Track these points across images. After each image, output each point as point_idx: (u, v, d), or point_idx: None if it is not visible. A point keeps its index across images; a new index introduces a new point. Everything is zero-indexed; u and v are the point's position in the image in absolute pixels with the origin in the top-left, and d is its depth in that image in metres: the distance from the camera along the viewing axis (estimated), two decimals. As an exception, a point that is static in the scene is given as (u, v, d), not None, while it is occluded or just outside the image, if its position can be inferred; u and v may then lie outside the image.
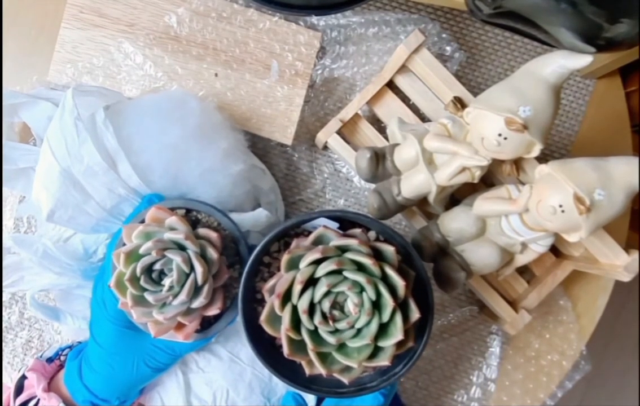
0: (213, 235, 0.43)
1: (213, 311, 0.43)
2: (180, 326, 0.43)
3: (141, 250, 0.40)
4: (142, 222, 0.43)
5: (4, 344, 0.60)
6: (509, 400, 0.62)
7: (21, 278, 0.49)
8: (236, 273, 0.46)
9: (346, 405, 0.47)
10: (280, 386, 0.51)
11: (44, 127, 0.48)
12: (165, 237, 0.41)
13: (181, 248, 0.41)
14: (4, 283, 0.49)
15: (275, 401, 0.51)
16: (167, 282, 0.40)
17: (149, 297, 0.40)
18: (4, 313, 0.60)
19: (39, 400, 0.46)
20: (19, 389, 0.48)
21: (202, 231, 0.43)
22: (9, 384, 0.49)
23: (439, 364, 0.62)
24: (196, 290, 0.41)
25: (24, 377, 0.48)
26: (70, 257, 0.48)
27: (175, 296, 0.40)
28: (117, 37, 0.54)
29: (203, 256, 0.42)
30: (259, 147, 0.59)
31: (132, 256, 0.40)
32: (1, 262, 0.48)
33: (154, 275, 0.41)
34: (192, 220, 0.45)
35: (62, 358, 0.52)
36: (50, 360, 0.51)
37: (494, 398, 0.62)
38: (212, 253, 0.42)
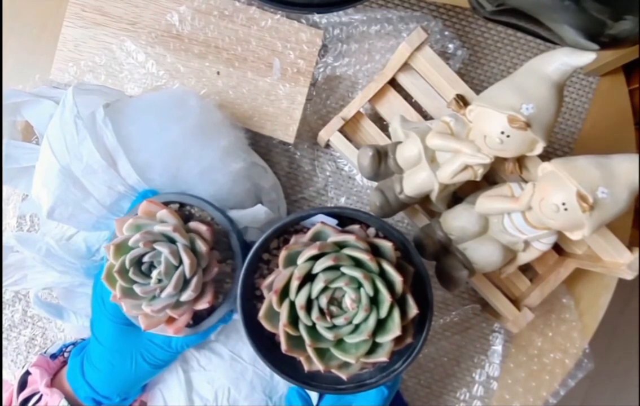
0: (202, 228, 0.43)
1: (202, 305, 0.43)
2: (170, 320, 0.43)
3: (130, 242, 0.40)
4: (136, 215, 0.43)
5: (7, 342, 0.60)
6: (512, 398, 0.61)
7: (24, 277, 0.49)
8: (229, 268, 0.46)
9: (348, 400, 0.47)
10: (282, 385, 0.52)
11: (47, 126, 0.48)
12: (154, 230, 0.41)
13: (170, 240, 0.41)
14: (7, 282, 0.49)
15: (276, 399, 0.51)
16: (155, 274, 0.40)
17: (137, 289, 0.40)
18: (7, 311, 0.60)
19: (41, 395, 0.47)
20: (23, 384, 0.48)
21: (192, 224, 0.43)
22: (12, 381, 0.50)
23: (441, 362, 0.62)
24: (184, 283, 0.41)
25: (27, 373, 0.48)
26: (73, 255, 0.48)
27: (164, 288, 0.40)
28: (119, 35, 0.54)
29: (192, 249, 0.41)
30: (261, 145, 0.59)
31: (122, 248, 0.41)
32: (1, 261, 0.48)
33: (143, 268, 0.41)
34: (186, 214, 0.45)
35: (66, 354, 0.52)
36: (54, 356, 0.51)
37: (497, 396, 0.62)
38: (202, 246, 0.42)
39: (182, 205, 0.45)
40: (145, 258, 0.41)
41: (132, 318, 0.43)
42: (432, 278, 0.43)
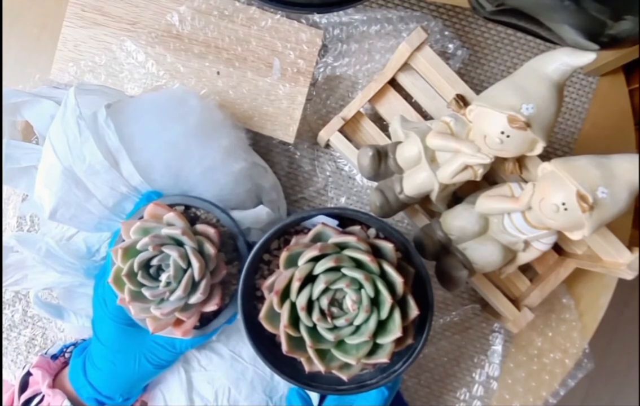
0: (210, 230, 0.43)
1: (211, 307, 0.43)
2: (178, 322, 0.43)
3: (138, 246, 0.40)
4: (141, 218, 0.43)
5: (7, 342, 0.60)
6: (512, 398, 0.61)
7: (24, 277, 0.49)
8: (235, 270, 0.46)
9: (349, 401, 0.47)
10: (282, 385, 0.52)
11: (47, 126, 0.48)
12: (162, 233, 0.41)
13: (178, 243, 0.41)
14: (7, 282, 0.49)
15: (277, 399, 0.51)
16: (164, 277, 0.40)
17: (146, 293, 0.40)
18: (7, 311, 0.60)
19: (43, 396, 0.47)
20: (24, 386, 0.48)
21: (199, 227, 0.43)
22: (12, 381, 0.50)
23: (441, 362, 0.62)
24: (193, 286, 0.41)
25: (28, 374, 0.48)
26: (73, 256, 0.48)
27: (173, 291, 0.40)
28: (119, 35, 0.54)
29: (200, 252, 0.42)
30: (261, 145, 0.59)
31: (130, 252, 0.41)
32: (1, 261, 0.48)
33: (151, 271, 0.41)
34: (191, 216, 0.45)
35: (67, 355, 0.52)
36: (54, 357, 0.52)
37: (497, 396, 0.62)
38: (210, 249, 0.42)
39: (187, 207, 0.46)
40: (154, 262, 0.41)
41: (139, 320, 0.43)
42: (432, 278, 0.43)
